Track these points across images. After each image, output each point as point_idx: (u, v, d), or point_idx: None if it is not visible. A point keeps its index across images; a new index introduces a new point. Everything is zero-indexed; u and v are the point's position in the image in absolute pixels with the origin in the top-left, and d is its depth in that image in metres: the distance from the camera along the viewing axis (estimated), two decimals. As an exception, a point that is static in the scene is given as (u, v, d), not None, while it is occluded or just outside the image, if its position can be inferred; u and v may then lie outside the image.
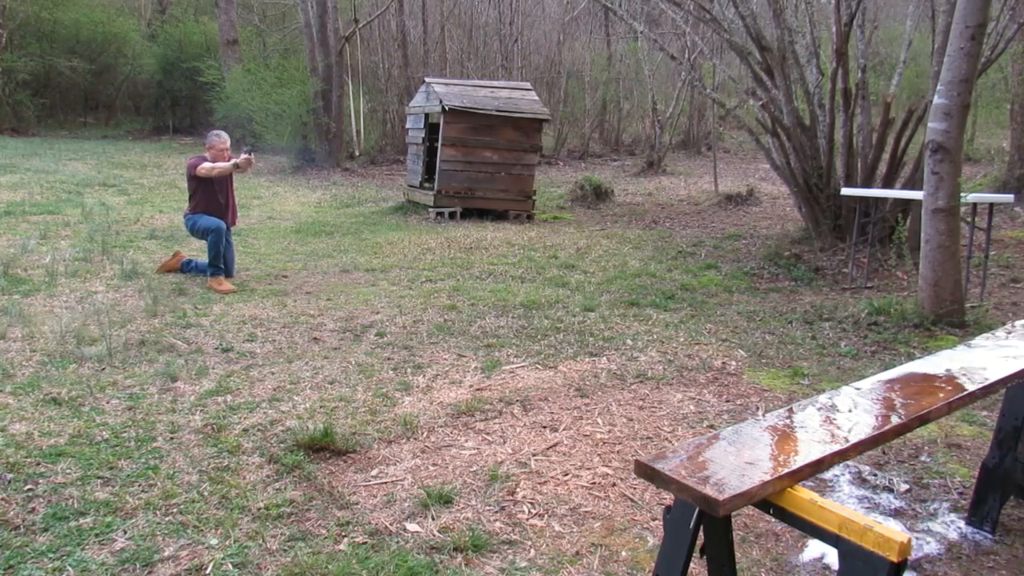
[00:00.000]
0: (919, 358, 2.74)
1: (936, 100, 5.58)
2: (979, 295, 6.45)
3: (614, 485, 3.21)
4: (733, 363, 4.87)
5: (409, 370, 4.49)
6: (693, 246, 9.06)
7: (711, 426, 3.85)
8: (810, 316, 6.02)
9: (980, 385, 2.38)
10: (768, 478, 1.70)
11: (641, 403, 4.13)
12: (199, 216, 6.65)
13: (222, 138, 6.76)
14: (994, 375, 2.48)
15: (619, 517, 2.96)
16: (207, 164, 6.45)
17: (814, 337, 5.49)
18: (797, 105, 8.43)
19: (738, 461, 1.78)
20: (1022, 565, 2.85)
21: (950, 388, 2.33)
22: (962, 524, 3.05)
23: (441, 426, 3.70)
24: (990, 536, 2.97)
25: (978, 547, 2.92)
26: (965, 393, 2.30)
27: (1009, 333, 3.08)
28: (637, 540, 2.80)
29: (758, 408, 4.11)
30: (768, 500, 1.71)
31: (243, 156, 6.40)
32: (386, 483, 3.13)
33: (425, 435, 3.60)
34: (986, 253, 6.66)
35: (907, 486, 3.34)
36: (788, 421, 2.05)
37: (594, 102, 21.87)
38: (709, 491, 1.63)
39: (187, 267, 6.80)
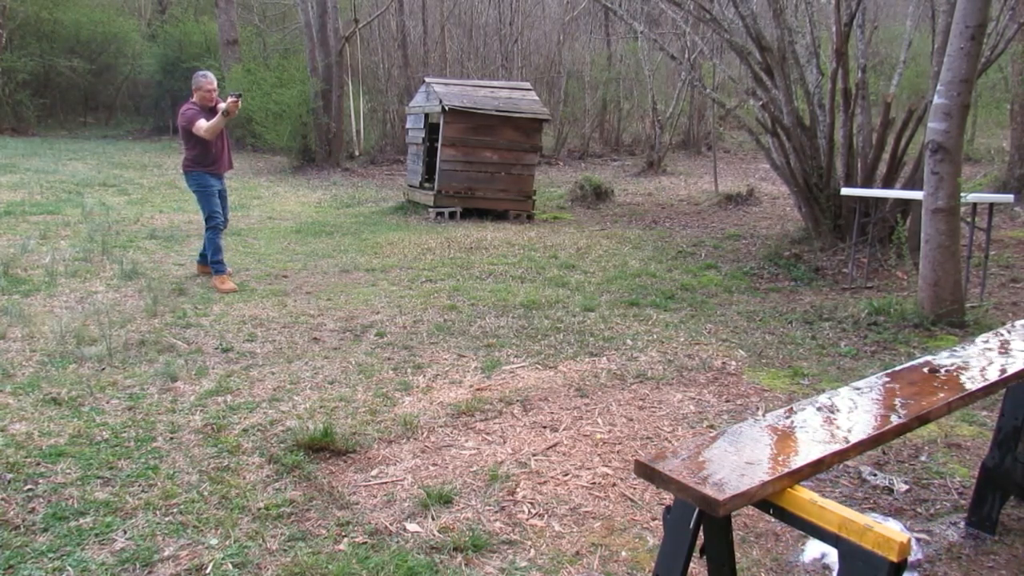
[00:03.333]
0: (919, 358, 2.74)
1: (936, 100, 5.58)
2: (979, 295, 6.45)
3: (614, 485, 3.21)
4: (733, 363, 4.87)
5: (409, 370, 4.49)
6: (693, 246, 9.06)
7: (711, 426, 3.85)
8: (810, 316, 6.02)
9: (980, 385, 2.38)
10: (768, 478, 1.70)
11: (641, 403, 4.13)
12: (200, 183, 6.56)
13: (208, 78, 6.58)
14: (994, 375, 2.48)
15: (619, 517, 2.96)
16: (202, 124, 6.36)
17: (814, 337, 5.49)
18: (797, 105, 8.43)
19: (738, 461, 1.78)
20: (1022, 565, 2.85)
21: (950, 388, 2.33)
22: (962, 524, 3.05)
23: (441, 426, 3.70)
24: (990, 536, 2.97)
25: (978, 547, 2.92)
26: (965, 393, 2.30)
27: (1010, 333, 3.08)
28: (637, 540, 2.80)
29: (758, 408, 4.11)
30: (768, 500, 1.71)
31: (230, 100, 6.22)
32: (386, 483, 3.13)
33: (425, 435, 3.60)
34: (986, 253, 6.66)
35: (907, 486, 3.34)
36: (788, 421, 2.05)
37: (594, 102, 21.86)
38: (709, 491, 1.63)
39: (204, 259, 6.74)
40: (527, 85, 12.63)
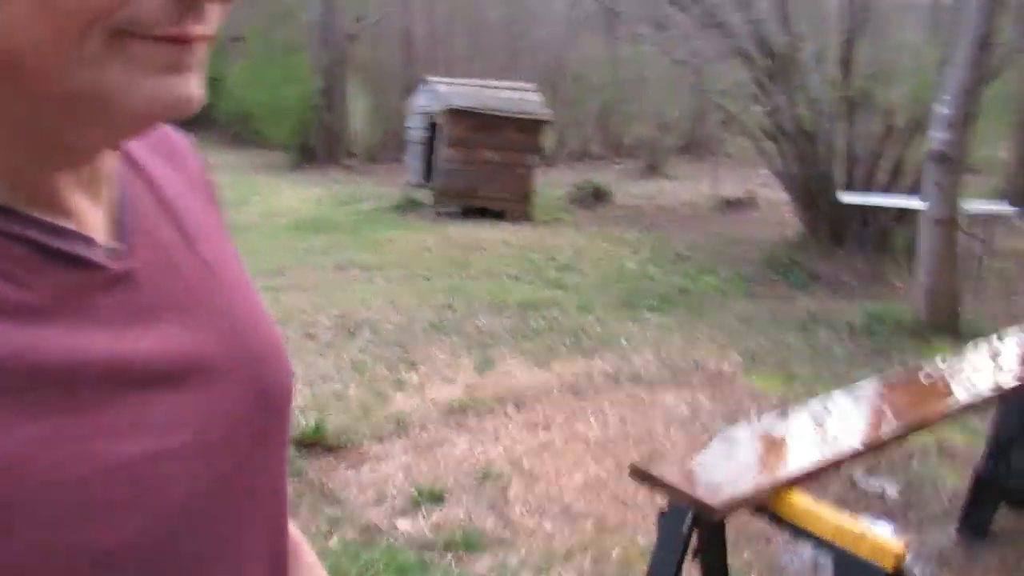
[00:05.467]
0: (913, 365, 2.73)
1: (940, 110, 5.58)
2: (975, 305, 6.44)
3: (606, 486, 3.19)
4: (728, 366, 4.86)
5: (402, 367, 4.47)
6: (691, 250, 9.05)
7: (705, 428, 3.84)
8: (806, 321, 6.01)
9: (975, 395, 2.37)
10: (763, 483, 1.69)
11: (634, 404, 4.12)
12: None
13: None
14: (988, 385, 2.47)
15: (611, 517, 2.95)
16: None
17: (809, 342, 5.48)
18: (800, 112, 8.43)
19: (733, 466, 1.77)
20: (1011, 573, 2.84)
21: (945, 396, 2.32)
22: (953, 531, 3.04)
23: (433, 424, 3.69)
24: (981, 543, 2.96)
25: (969, 554, 2.92)
26: (960, 404, 2.29)
27: (1002, 341, 3.07)
28: (629, 540, 2.78)
29: (751, 411, 4.10)
30: (763, 506, 1.70)
31: None
32: (377, 480, 3.12)
33: (417, 432, 3.59)
34: (983, 264, 6.65)
35: (899, 491, 3.33)
36: (784, 426, 2.04)
37: (597, 104, 21.86)
38: (704, 496, 1.62)
39: None
40: (530, 86, 12.62)
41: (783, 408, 4.03)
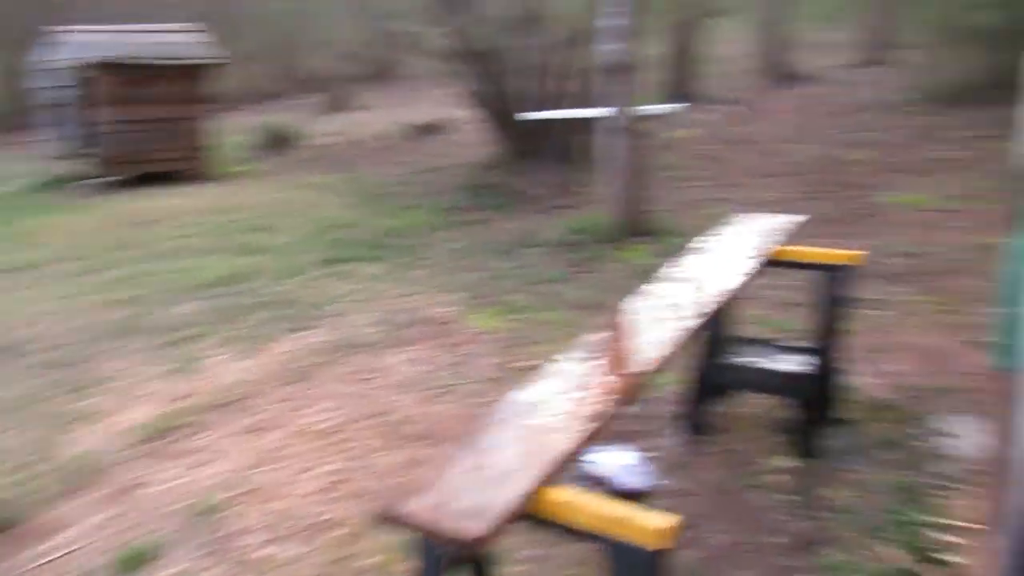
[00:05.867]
0: (629, 293, 2.71)
1: (607, 21, 5.76)
2: (660, 201, 6.94)
3: (349, 482, 2.90)
4: (449, 309, 4.74)
5: (82, 392, 3.73)
6: (392, 186, 8.79)
7: (439, 389, 3.66)
8: (512, 245, 6.09)
9: (698, 321, 2.39)
10: (520, 489, 1.51)
11: (362, 377, 3.83)
12: None
13: None
14: (705, 306, 2.51)
15: (360, 518, 2.67)
16: None
17: (521, 267, 5.55)
18: (481, 31, 8.37)
19: (483, 479, 1.57)
20: (734, 456, 3.06)
21: (672, 327, 2.31)
22: (680, 432, 3.20)
23: (131, 459, 3.09)
24: (705, 437, 3.16)
25: (697, 451, 3.09)
26: (687, 331, 2.29)
27: (700, 250, 3.19)
28: (386, 542, 2.53)
29: (481, 358, 4.00)
30: (524, 514, 1.52)
31: None
32: (67, 555, 2.52)
33: (111, 475, 2.98)
34: (659, 160, 7.17)
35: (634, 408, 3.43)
36: (522, 412, 1.86)
37: (272, 39, 20.36)
38: (463, 526, 1.40)
39: None
40: (193, 26, 11.27)
41: (510, 344, 4.00)
